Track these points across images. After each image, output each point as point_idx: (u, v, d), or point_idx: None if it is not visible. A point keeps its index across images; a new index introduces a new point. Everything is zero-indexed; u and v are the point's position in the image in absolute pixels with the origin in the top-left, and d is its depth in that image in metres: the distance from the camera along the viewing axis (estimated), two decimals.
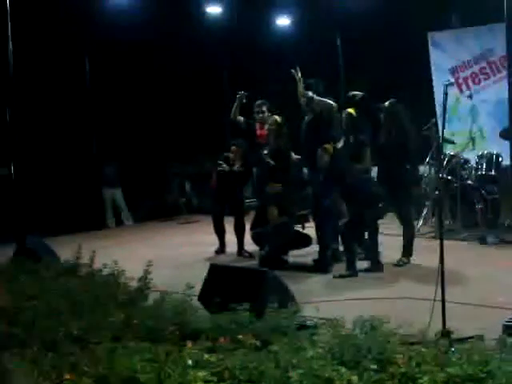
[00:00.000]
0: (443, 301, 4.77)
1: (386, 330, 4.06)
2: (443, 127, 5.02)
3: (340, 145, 7.99)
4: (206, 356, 3.56)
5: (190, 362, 3.50)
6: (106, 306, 5.06)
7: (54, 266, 6.89)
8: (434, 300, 4.91)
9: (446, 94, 4.98)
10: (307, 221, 9.25)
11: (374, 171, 8.48)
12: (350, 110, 7.94)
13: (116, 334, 4.38)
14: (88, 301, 5.16)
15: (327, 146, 7.72)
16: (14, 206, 9.05)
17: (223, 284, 5.81)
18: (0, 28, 8.50)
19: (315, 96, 7.98)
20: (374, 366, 3.46)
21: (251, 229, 8.77)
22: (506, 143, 10.03)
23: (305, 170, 9.45)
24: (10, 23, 8.28)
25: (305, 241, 8.49)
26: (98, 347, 4.06)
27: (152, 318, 4.60)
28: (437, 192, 7.36)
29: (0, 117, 8.97)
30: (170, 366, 3.47)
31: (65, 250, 8.02)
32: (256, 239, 8.63)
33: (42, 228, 10.61)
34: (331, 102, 8.00)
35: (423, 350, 3.67)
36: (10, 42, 8.35)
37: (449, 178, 9.79)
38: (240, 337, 4.08)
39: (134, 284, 6.01)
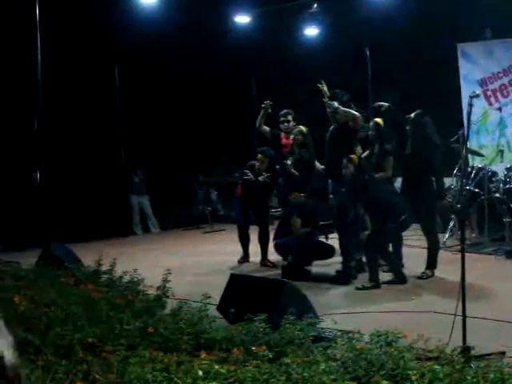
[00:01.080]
0: (464, 316, 4.67)
1: (402, 344, 3.99)
2: (467, 138, 4.96)
3: (364, 154, 7.96)
4: (217, 367, 3.52)
5: (200, 372, 3.46)
6: (123, 313, 5.06)
7: (75, 273, 6.91)
8: (456, 314, 4.82)
9: (470, 105, 4.91)
10: (331, 232, 9.19)
11: (399, 182, 8.42)
12: (378, 120, 7.92)
13: (131, 343, 4.37)
14: (105, 308, 5.17)
15: (353, 156, 7.67)
16: (39, 212, 9.14)
17: (242, 293, 5.79)
18: (30, 37, 8.61)
19: (340, 107, 7.95)
20: (386, 382, 3.39)
21: (274, 239, 8.74)
22: None
23: (329, 181, 9.43)
24: (39, 32, 8.37)
25: (328, 252, 8.43)
26: (112, 355, 4.05)
27: (168, 327, 4.58)
28: (459, 205, 7.27)
29: (27, 122, 9.12)
30: (181, 376, 3.45)
31: (91, 256, 8.06)
32: (279, 249, 8.60)
33: (70, 234, 10.73)
34: (356, 112, 7.97)
35: (437, 366, 3.58)
36: (39, 53, 8.44)
37: (476, 190, 9.66)
38: (253, 348, 4.04)
39: (154, 292, 6.02)
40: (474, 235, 9.65)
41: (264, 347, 4.02)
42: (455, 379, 3.40)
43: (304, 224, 8.29)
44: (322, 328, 5.19)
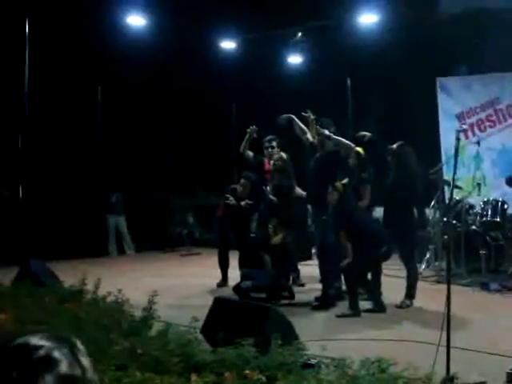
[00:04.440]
0: (448, 346, 4.75)
1: (392, 372, 4.05)
2: (455, 172, 5.05)
3: (343, 182, 8.05)
4: None
5: None
6: (111, 333, 5.05)
7: (58, 291, 6.87)
8: (439, 345, 4.89)
9: (458, 139, 5.03)
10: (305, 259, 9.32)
11: (379, 212, 8.53)
12: (358, 149, 8.03)
13: (121, 363, 4.37)
14: (92, 327, 5.15)
15: (338, 184, 7.76)
16: (18, 229, 9.08)
17: (227, 318, 5.80)
18: (17, 57, 8.62)
19: (332, 135, 8.05)
20: None
21: (240, 267, 8.81)
22: (509, 191, 10.13)
23: (308, 207, 9.53)
24: (27, 51, 8.40)
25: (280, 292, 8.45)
26: (104, 375, 4.04)
27: (157, 349, 4.58)
28: (445, 236, 7.42)
29: (11, 142, 9.08)
30: None
31: (66, 275, 8.03)
32: (244, 279, 8.61)
33: (45, 252, 10.62)
34: (349, 142, 8.06)
35: None
36: (27, 71, 8.46)
37: (453, 222, 9.81)
38: (246, 372, 4.07)
39: (138, 313, 6.00)
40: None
41: (257, 371, 4.05)
42: None
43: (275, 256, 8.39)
44: (307, 354, 5.21)
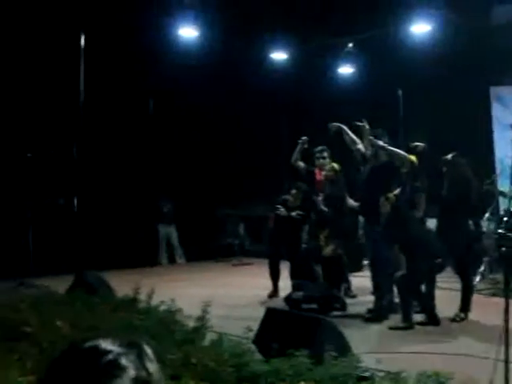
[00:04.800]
0: (507, 360, 4.65)
1: None
2: None
3: (395, 192, 7.95)
4: None
5: None
6: (164, 342, 5.08)
7: (111, 300, 6.95)
8: (497, 359, 4.79)
9: None
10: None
11: (432, 223, 8.40)
12: (412, 158, 7.94)
13: (175, 373, 4.39)
14: (146, 336, 5.18)
15: (390, 195, 7.68)
16: (72, 238, 9.23)
17: (279, 328, 5.79)
18: (73, 69, 8.79)
19: (387, 146, 7.98)
20: None
21: (292, 277, 8.77)
22: None
23: (360, 218, 9.46)
24: (82, 64, 8.56)
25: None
26: None
27: (211, 359, 4.59)
28: (503, 248, 7.23)
29: (67, 151, 9.26)
30: None
31: (119, 284, 8.10)
32: (295, 290, 8.58)
33: (97, 262, 10.78)
34: (405, 154, 7.96)
35: None
36: (82, 82, 8.62)
37: (508, 234, 9.59)
38: (302, 383, 4.04)
39: (191, 322, 6.03)
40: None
41: (313, 383, 4.02)
42: None
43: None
44: (361, 367, 5.16)
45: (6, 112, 11.39)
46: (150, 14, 10.96)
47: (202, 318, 5.84)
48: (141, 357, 1.19)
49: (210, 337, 5.65)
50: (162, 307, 6.47)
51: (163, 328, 5.56)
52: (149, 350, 1.19)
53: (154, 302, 6.82)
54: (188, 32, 11.26)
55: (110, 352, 1.19)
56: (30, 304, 6.63)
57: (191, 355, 4.68)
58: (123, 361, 1.17)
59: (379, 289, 7.95)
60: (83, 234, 8.85)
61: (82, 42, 8.92)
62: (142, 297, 7.01)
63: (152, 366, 1.18)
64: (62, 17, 10.19)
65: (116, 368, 1.16)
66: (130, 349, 1.19)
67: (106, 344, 1.20)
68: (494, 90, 12.27)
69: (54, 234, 11.32)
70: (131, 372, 1.16)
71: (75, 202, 9.01)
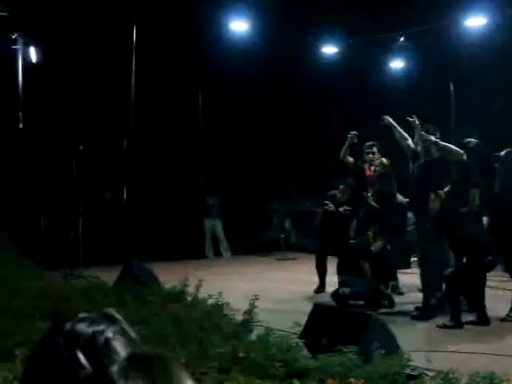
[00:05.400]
0: None
1: None
2: None
3: (445, 189, 7.82)
4: None
5: None
6: (212, 335, 5.09)
7: (160, 292, 7.00)
8: None
9: None
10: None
11: (485, 221, 8.24)
12: (463, 155, 7.79)
13: (223, 366, 4.39)
14: (194, 329, 5.21)
15: (440, 191, 7.56)
16: (120, 230, 9.31)
17: (326, 324, 5.74)
18: (125, 63, 8.86)
19: (439, 141, 7.85)
20: None
21: (339, 273, 8.71)
22: None
23: (410, 215, 9.34)
24: (134, 58, 8.62)
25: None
26: (205, 377, 4.07)
27: (258, 353, 4.58)
28: None
29: (116, 145, 9.35)
30: None
31: (165, 276, 8.15)
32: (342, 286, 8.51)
33: (144, 253, 10.88)
34: (458, 149, 7.82)
35: None
36: (133, 77, 8.68)
37: None
38: (351, 380, 4.00)
39: (238, 316, 6.03)
40: None
41: (362, 381, 3.97)
42: None
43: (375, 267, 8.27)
44: (410, 365, 5.08)
45: (58, 105, 11.56)
46: (202, 7, 10.99)
47: (249, 312, 5.83)
48: (124, 330, 1.12)
49: (257, 331, 5.64)
50: (210, 300, 6.48)
51: (211, 321, 5.57)
52: (123, 321, 1.12)
53: (201, 294, 6.83)
54: (239, 26, 11.27)
55: (101, 332, 1.11)
56: (80, 294, 6.73)
57: (239, 349, 4.68)
58: (115, 339, 1.10)
59: (428, 287, 7.83)
60: (131, 226, 8.93)
61: (134, 35, 8.97)
62: (190, 289, 7.03)
63: (136, 338, 1.12)
64: (114, 10, 10.28)
65: (112, 347, 1.09)
66: (111, 324, 1.11)
67: (89, 324, 1.12)
68: None
69: (103, 226, 11.46)
70: (125, 350, 1.09)
71: (124, 194, 9.08)
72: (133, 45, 8.67)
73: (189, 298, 6.81)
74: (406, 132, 8.60)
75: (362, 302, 8.18)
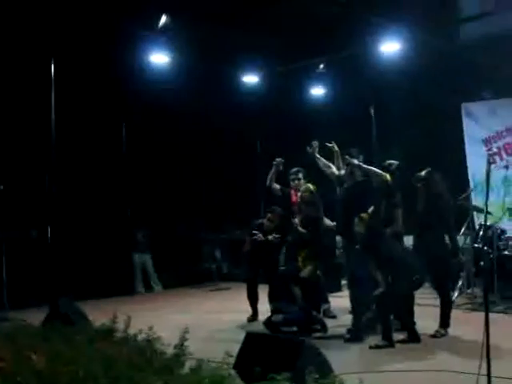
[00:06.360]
0: (489, 375, 4.62)
1: None
2: (487, 196, 4.97)
3: (369, 210, 7.94)
4: None
5: None
6: (143, 372, 4.97)
7: (88, 331, 6.82)
8: (479, 374, 4.77)
9: (489, 162, 4.96)
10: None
11: (407, 240, 8.41)
12: (387, 176, 7.95)
13: None
14: (124, 366, 5.08)
15: (363, 214, 7.68)
16: (46, 268, 9.07)
17: (259, 352, 5.70)
18: (43, 98, 8.71)
19: (362, 164, 8.00)
20: None
21: (270, 301, 8.71)
22: None
23: (338, 238, 9.46)
24: (53, 93, 8.49)
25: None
26: None
27: None
28: (482, 263, 7.28)
29: (39, 182, 9.13)
30: None
31: (95, 314, 7.97)
32: (274, 313, 8.50)
33: (72, 291, 10.62)
34: (381, 171, 7.95)
35: None
36: (53, 111, 8.54)
37: (485, 248, 9.67)
38: None
39: (170, 350, 5.92)
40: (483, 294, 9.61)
41: None
42: None
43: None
44: None
45: None
46: (121, 40, 10.94)
47: (180, 345, 5.74)
48: None
49: (189, 364, 5.54)
50: (140, 336, 6.35)
51: (142, 357, 5.45)
52: None
53: (132, 330, 6.69)
54: (159, 58, 11.27)
55: None
56: (4, 338, 6.48)
57: (171, 383, 4.58)
58: None
59: (357, 308, 7.90)
60: (57, 265, 8.71)
61: (52, 69, 8.83)
62: (120, 326, 6.87)
63: None
64: (31, 44, 10.12)
65: None
66: None
67: None
68: (466, 107, 12.43)
69: (27, 265, 11.13)
70: None
71: (48, 233, 8.87)
72: (51, 80, 8.53)
73: (118, 335, 6.65)
74: (327, 158, 8.79)
75: (295, 328, 8.18)
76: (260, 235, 9.24)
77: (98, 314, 7.67)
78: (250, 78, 12.93)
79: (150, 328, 6.34)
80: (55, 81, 8.60)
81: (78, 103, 11.84)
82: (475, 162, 11.91)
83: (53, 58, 8.95)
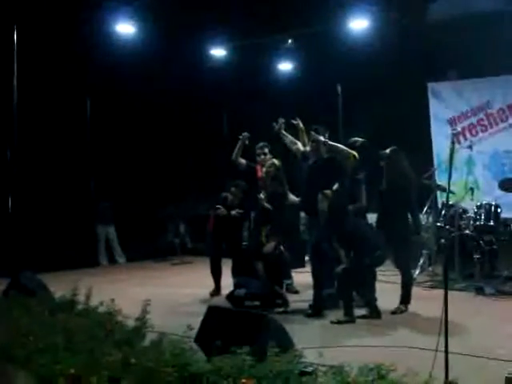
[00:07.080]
0: (446, 351, 4.69)
1: (392, 378, 3.98)
2: (450, 176, 5.01)
3: (334, 187, 7.95)
4: None
5: None
6: (103, 344, 4.95)
7: (48, 302, 6.76)
8: (437, 350, 4.84)
9: (453, 142, 4.99)
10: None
11: (371, 217, 8.47)
12: (353, 152, 7.96)
13: (113, 375, 4.28)
14: (84, 338, 5.05)
15: (327, 192, 7.70)
16: (8, 240, 8.96)
17: (221, 326, 5.71)
18: (6, 69, 8.53)
19: (328, 141, 8.00)
20: None
21: (233, 275, 8.72)
22: (500, 195, 10.13)
23: (302, 214, 9.48)
24: (15, 64, 8.31)
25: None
26: None
27: (151, 359, 4.49)
28: (442, 240, 7.38)
29: (0, 154, 8.98)
30: None
31: (57, 286, 7.89)
32: (237, 287, 8.53)
33: (35, 263, 10.51)
34: (347, 148, 7.95)
35: None
36: (15, 83, 8.37)
37: (447, 227, 9.79)
38: (243, 381, 3.99)
39: (131, 323, 5.91)
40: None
41: (254, 380, 3.96)
42: None
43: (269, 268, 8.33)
44: (304, 362, 5.13)
45: None
46: (86, 9, 10.74)
47: (141, 318, 5.73)
48: None
49: (150, 337, 5.54)
50: (101, 308, 6.31)
51: (102, 329, 5.42)
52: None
53: (94, 302, 6.65)
54: (125, 28, 11.10)
55: None
56: None
57: (130, 356, 4.57)
58: None
59: (319, 284, 7.94)
60: (19, 236, 8.60)
61: (15, 38, 8.65)
62: (81, 298, 6.83)
63: None
64: None
65: None
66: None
67: None
68: (432, 86, 12.50)
69: None
70: None
71: (9, 203, 8.75)
72: (14, 49, 8.35)
73: (79, 307, 6.61)
74: (293, 135, 8.79)
75: (257, 303, 8.21)
76: (223, 209, 9.21)
77: (59, 286, 7.59)
78: (218, 52, 12.83)
79: (112, 300, 6.32)
80: (18, 50, 8.42)
81: (41, 74, 11.62)
82: (440, 142, 12.03)
83: (15, 27, 8.75)
